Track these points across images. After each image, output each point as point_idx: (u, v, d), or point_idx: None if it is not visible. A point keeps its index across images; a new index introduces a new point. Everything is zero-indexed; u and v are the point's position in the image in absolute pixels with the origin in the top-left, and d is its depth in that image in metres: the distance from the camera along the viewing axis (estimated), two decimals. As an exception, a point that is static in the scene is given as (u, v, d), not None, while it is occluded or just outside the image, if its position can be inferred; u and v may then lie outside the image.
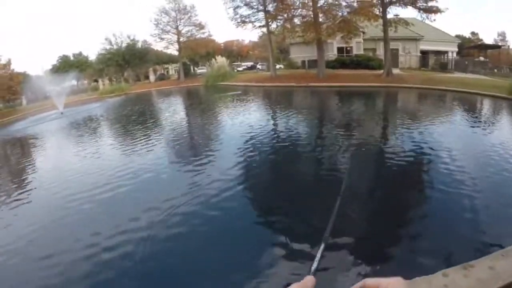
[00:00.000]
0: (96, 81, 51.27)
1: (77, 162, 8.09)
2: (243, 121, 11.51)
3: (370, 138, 8.83)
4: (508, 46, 55.29)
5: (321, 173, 6.29)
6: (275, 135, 9.32)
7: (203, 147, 8.57)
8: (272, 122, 11.84)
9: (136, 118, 14.61)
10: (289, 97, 21.06)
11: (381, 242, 3.82)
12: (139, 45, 44.76)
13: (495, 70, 34.14)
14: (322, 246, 0.72)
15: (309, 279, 0.55)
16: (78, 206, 5.30)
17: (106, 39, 43.55)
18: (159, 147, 8.65)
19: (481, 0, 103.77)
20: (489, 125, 10.72)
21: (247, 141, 8.49)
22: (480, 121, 11.36)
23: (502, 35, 61.14)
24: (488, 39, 59.20)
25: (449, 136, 8.59)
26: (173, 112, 16.11)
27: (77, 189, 6.03)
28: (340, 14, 25.53)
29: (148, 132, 10.75)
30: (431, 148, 7.27)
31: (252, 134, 9.22)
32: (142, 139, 9.65)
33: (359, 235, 3.87)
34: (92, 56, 50.64)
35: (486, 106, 15.40)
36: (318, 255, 0.70)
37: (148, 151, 8.29)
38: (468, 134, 9.34)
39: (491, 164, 6.13)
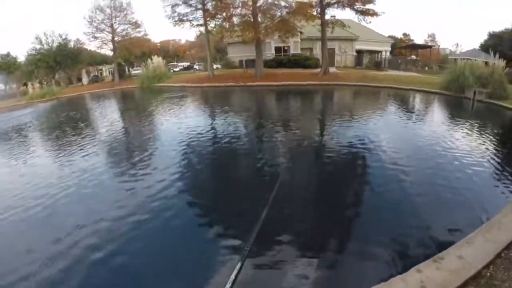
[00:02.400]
0: (25, 84, 46.96)
1: (5, 176, 7.10)
2: (180, 124, 10.98)
3: (307, 136, 8.88)
4: (438, 46, 59.86)
5: (256, 174, 6.09)
6: (213, 136, 9.01)
7: (140, 153, 7.94)
8: (209, 123, 11.38)
9: (68, 125, 13.15)
10: (227, 97, 20.53)
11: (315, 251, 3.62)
12: (71, 44, 41.33)
13: (426, 68, 36.62)
14: (239, 265, 0.51)
15: None
16: (10, 222, 4.69)
17: (36, 38, 39.55)
18: (94, 156, 7.84)
19: (412, 3, 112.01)
20: (422, 117, 11.71)
21: (184, 144, 8.11)
22: (414, 114, 12.38)
23: (432, 36, 66.35)
24: (419, 40, 63.82)
25: (385, 129, 9.19)
26: (107, 117, 14.80)
27: (6, 204, 5.29)
28: (278, 14, 25.55)
29: (81, 140, 9.64)
30: (369, 142, 7.61)
31: (189, 136, 8.84)
32: (75, 148, 8.67)
33: (287, 243, 3.71)
34: (22, 57, 45.96)
35: (419, 100, 16.48)
36: (233, 275, 0.57)
37: (82, 160, 7.50)
38: (403, 125, 10.07)
39: (425, 152, 6.80)
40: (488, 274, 2.71)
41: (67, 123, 13.76)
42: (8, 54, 48.56)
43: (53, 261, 3.61)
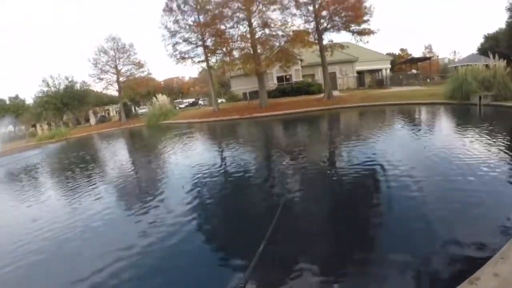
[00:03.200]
0: (34, 126, 48.06)
1: (15, 216, 7.17)
2: (188, 160, 10.96)
3: (317, 162, 8.68)
4: (437, 56, 60.29)
5: (263, 205, 5.97)
6: (221, 170, 8.89)
7: (150, 190, 7.93)
8: (217, 157, 11.34)
9: (78, 165, 13.24)
10: (233, 130, 20.56)
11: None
12: (78, 86, 42.62)
13: (428, 80, 36.75)
14: None
15: None
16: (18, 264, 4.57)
17: (43, 81, 41.19)
18: (105, 195, 7.79)
19: (406, 18, 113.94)
20: (431, 129, 11.49)
21: (193, 179, 8.00)
22: (423, 127, 12.19)
23: (429, 48, 67.05)
24: (417, 53, 64.36)
25: (396, 146, 9.00)
26: (117, 156, 14.96)
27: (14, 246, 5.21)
28: (277, 44, 26.15)
29: (91, 180, 9.65)
30: (382, 161, 7.34)
31: (198, 171, 8.75)
32: (86, 188, 8.67)
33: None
34: (30, 100, 47.47)
35: (426, 113, 16.35)
36: None
37: (94, 199, 7.46)
38: (414, 140, 9.86)
39: (439, 164, 6.56)
40: None
41: (77, 163, 13.88)
42: (16, 97, 50.18)
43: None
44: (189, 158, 11.18)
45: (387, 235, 4.20)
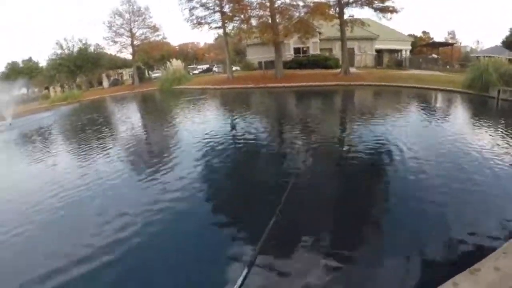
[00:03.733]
0: (47, 88, 48.23)
1: (30, 177, 7.35)
2: (200, 126, 11.00)
3: (328, 139, 8.65)
4: (460, 43, 58.45)
5: (274, 178, 5.94)
6: (233, 139, 8.95)
7: (161, 154, 8.06)
8: (229, 125, 11.34)
9: (91, 127, 13.37)
10: (247, 98, 20.45)
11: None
12: (92, 49, 42.26)
13: (448, 66, 35.71)
14: (245, 271, 0.52)
15: None
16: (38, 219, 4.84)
17: (57, 43, 40.74)
18: (116, 158, 7.95)
19: (431, 1, 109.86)
20: (447, 118, 11.19)
21: (204, 146, 8.11)
22: (439, 114, 11.90)
23: (452, 34, 64.82)
24: (439, 38, 62.46)
25: (411, 131, 8.85)
26: (129, 120, 14.99)
27: (34, 202, 5.49)
28: (297, 14, 25.39)
29: (104, 143, 9.85)
30: (395, 145, 7.27)
31: (209, 138, 8.81)
32: (98, 150, 8.82)
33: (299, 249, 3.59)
34: (43, 62, 47.21)
35: (443, 100, 16.04)
36: (239, 281, 0.58)
37: (105, 161, 7.64)
38: (430, 127, 9.67)
39: (452, 155, 6.47)
40: None
41: (90, 126, 14.00)
42: (30, 59, 50.06)
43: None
44: (200, 125, 11.16)
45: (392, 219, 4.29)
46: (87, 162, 7.70)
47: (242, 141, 8.58)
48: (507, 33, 37.70)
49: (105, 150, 8.61)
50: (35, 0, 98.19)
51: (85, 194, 5.59)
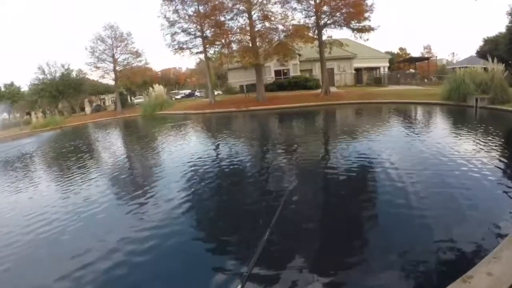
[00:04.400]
0: (29, 113, 47.54)
1: (6, 205, 6.96)
2: (183, 151, 10.89)
3: (312, 158, 8.63)
4: (435, 57, 60.43)
5: (262, 198, 5.86)
6: (217, 162, 8.83)
7: (145, 180, 7.87)
8: (213, 149, 11.25)
9: (73, 155, 12.93)
10: (230, 122, 20.48)
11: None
12: (74, 74, 42.17)
13: (425, 80, 36.88)
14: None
15: None
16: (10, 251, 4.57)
17: (39, 68, 40.63)
18: (98, 185, 7.67)
19: (406, 17, 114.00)
20: (427, 129, 11.54)
21: (189, 171, 7.91)
22: (419, 127, 12.27)
23: (428, 48, 67.16)
24: (415, 53, 64.49)
25: (391, 145, 9.03)
26: (112, 147, 14.74)
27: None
28: (276, 37, 25.98)
29: (87, 171, 9.41)
30: (377, 159, 7.40)
31: (193, 163, 8.66)
32: (81, 179, 8.46)
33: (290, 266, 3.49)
34: (25, 87, 47.00)
35: (422, 113, 16.41)
36: None
37: (87, 189, 7.37)
38: (410, 139, 9.82)
39: (433, 164, 6.54)
40: None
41: (72, 152, 13.64)
42: (11, 84, 49.39)
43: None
44: (183, 151, 11.05)
45: (379, 226, 4.27)
46: (69, 193, 7.33)
47: (227, 164, 8.49)
48: (481, 43, 39.24)
49: (88, 179, 8.30)
50: (17, 23, 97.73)
51: (66, 227, 5.28)
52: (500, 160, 6.68)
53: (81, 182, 8.06)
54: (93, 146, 15.68)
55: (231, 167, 8.15)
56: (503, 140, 8.97)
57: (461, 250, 3.50)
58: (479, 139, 8.83)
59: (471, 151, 7.41)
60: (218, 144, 12.10)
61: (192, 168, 8.17)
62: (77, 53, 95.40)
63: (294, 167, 7.76)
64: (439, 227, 4.01)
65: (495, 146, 8.01)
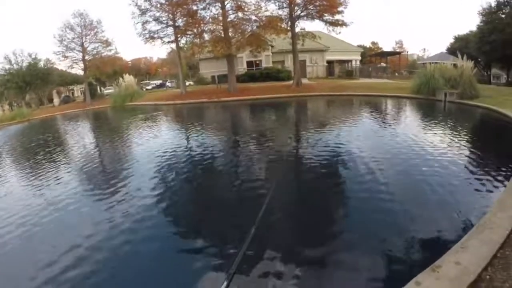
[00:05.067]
0: (-6, 106, 45.40)
1: None
2: (155, 143, 10.70)
3: (285, 149, 8.72)
4: (406, 52, 62.10)
5: (238, 192, 5.83)
6: (189, 154, 8.77)
7: (116, 174, 7.65)
8: (184, 140, 11.18)
9: (41, 150, 12.47)
10: (201, 113, 20.42)
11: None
12: (42, 64, 40.31)
13: (396, 74, 37.84)
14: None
15: None
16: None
17: (5, 57, 38.25)
18: (68, 180, 7.44)
19: (379, 12, 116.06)
20: (396, 121, 11.98)
21: (160, 164, 7.82)
22: (389, 119, 12.69)
23: (400, 43, 68.89)
24: (387, 47, 66.06)
25: (362, 136, 9.27)
26: (81, 141, 14.24)
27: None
28: (249, 28, 25.94)
29: (57, 166, 9.10)
30: (347, 149, 7.63)
31: (165, 156, 8.56)
32: (49, 172, 8.24)
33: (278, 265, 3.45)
34: (-10, 78, 44.60)
35: (392, 106, 16.91)
36: None
37: (57, 184, 7.15)
38: (380, 131, 10.18)
39: (402, 155, 6.81)
40: (488, 276, 2.67)
41: (40, 147, 13.15)
42: (-24, 75, 46.88)
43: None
44: (154, 143, 10.88)
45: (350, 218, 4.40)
46: (41, 189, 7.08)
47: (200, 157, 8.40)
48: (452, 40, 40.72)
49: (59, 174, 8.04)
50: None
51: (38, 223, 5.14)
52: (467, 152, 7.03)
53: (52, 178, 7.75)
54: (62, 140, 15.16)
55: (204, 160, 8.09)
56: (470, 132, 9.54)
57: (429, 239, 3.60)
58: (447, 132, 9.29)
59: (439, 143, 7.76)
60: (189, 136, 12.01)
61: (166, 162, 8.02)
62: (44, 41, 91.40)
63: (269, 159, 7.77)
64: (406, 217, 4.14)
65: (463, 138, 8.46)
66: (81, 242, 4.27)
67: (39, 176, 8.20)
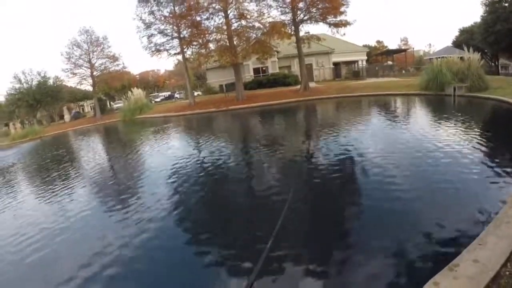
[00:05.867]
0: (7, 125, 46.28)
1: None
2: (166, 154, 10.76)
3: (296, 154, 8.64)
4: (412, 48, 61.59)
5: (253, 199, 5.82)
6: (201, 164, 8.73)
7: (130, 187, 7.67)
8: (196, 151, 11.13)
9: (55, 165, 12.65)
10: (210, 123, 20.43)
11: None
12: (51, 82, 41.10)
13: (403, 71, 37.51)
14: None
15: None
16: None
17: (15, 77, 39.33)
18: (83, 195, 7.53)
19: (382, 10, 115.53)
20: (407, 119, 11.79)
21: (173, 175, 7.83)
22: (399, 117, 12.56)
23: (405, 40, 68.41)
24: (393, 45, 65.63)
25: (373, 136, 9.24)
26: (94, 154, 14.35)
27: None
28: (254, 35, 26.08)
29: (69, 180, 9.26)
30: (360, 151, 7.54)
31: (178, 166, 8.56)
32: (65, 188, 8.31)
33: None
34: (1, 98, 45.66)
35: (402, 104, 16.73)
36: None
37: (72, 200, 7.22)
38: (391, 130, 10.09)
39: (416, 153, 6.73)
40: (508, 273, 2.59)
41: (54, 163, 13.30)
42: (-13, 95, 47.91)
43: None
44: (168, 155, 10.82)
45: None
46: (55, 203, 7.23)
47: (211, 166, 8.35)
48: (457, 33, 40.25)
49: (73, 190, 8.06)
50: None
51: (53, 235, 5.23)
52: (481, 145, 6.89)
53: (67, 194, 7.73)
54: (74, 156, 15.31)
55: (217, 170, 7.99)
56: (482, 125, 9.40)
57: (446, 237, 3.52)
58: (459, 126, 9.12)
59: (452, 138, 7.65)
60: (201, 146, 11.94)
61: (180, 174, 7.95)
62: (53, 59, 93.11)
63: (284, 166, 7.67)
64: (423, 216, 4.06)
65: (475, 131, 8.33)
66: (101, 251, 4.35)
67: (53, 192, 8.21)
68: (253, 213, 5.16)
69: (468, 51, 16.47)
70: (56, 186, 8.87)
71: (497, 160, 5.83)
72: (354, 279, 3.16)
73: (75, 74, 34.78)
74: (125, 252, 4.26)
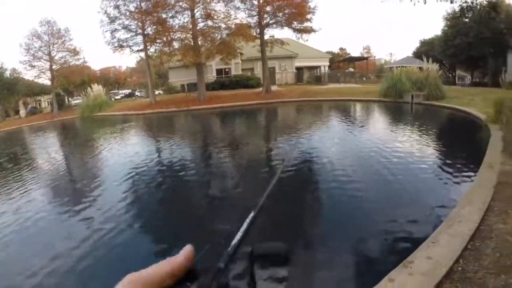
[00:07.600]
0: (-41, 119, 43.41)
1: None
2: (123, 155, 10.45)
3: (255, 156, 8.76)
4: (374, 57, 64.11)
5: (212, 200, 5.82)
6: (160, 165, 8.61)
7: (86, 188, 7.29)
8: (155, 151, 11.06)
9: (5, 163, 12.26)
10: (171, 122, 20.47)
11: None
12: (7, 74, 38.99)
13: (364, 78, 39.14)
14: None
15: (188, 248, 0.45)
16: None
17: (-30, 67, 36.89)
18: (35, 195, 7.16)
19: (347, 18, 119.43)
20: (365, 124, 12.48)
21: (131, 176, 7.55)
22: (358, 122, 13.13)
23: (367, 48, 71.18)
24: (355, 53, 68.10)
25: (332, 140, 9.56)
26: (47, 152, 13.82)
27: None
28: (219, 36, 26.32)
29: (21, 178, 8.88)
30: (317, 154, 7.78)
31: (135, 168, 8.26)
32: (15, 187, 7.90)
33: None
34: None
35: (361, 109, 17.49)
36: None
37: (22, 199, 6.84)
38: (349, 134, 10.44)
39: (371, 157, 6.96)
40: (460, 268, 2.70)
41: (7, 162, 12.71)
42: None
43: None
44: (123, 155, 10.61)
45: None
46: (7, 205, 6.72)
47: (169, 167, 8.29)
48: (418, 44, 42.56)
49: (26, 190, 7.63)
50: None
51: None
52: (435, 150, 7.46)
53: (20, 194, 7.30)
54: (29, 154, 14.70)
55: (174, 169, 7.97)
56: (437, 131, 10.04)
57: (400, 236, 3.67)
58: (414, 132, 9.76)
59: (407, 143, 8.14)
60: (159, 146, 11.93)
61: (135, 175, 7.72)
62: (11, 50, 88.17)
63: (242, 166, 7.72)
64: (378, 216, 4.22)
65: (430, 137, 8.93)
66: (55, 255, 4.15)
67: (6, 191, 7.83)
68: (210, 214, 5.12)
69: (428, 61, 17.42)
70: (7, 186, 8.43)
71: (451, 164, 6.18)
72: (307, 276, 3.20)
73: (33, 66, 33.08)
74: (83, 242, 4.23)
